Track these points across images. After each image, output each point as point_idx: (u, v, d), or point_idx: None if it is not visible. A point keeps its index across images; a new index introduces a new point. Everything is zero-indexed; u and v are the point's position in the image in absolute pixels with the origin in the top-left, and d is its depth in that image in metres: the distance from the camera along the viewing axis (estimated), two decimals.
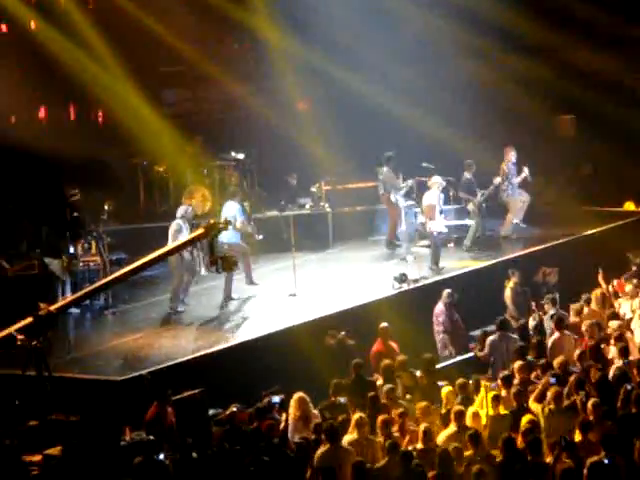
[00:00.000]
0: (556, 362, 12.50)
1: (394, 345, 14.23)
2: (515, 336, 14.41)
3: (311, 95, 23.81)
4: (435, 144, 20.75)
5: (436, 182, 18.07)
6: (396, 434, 11.01)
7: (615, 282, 16.30)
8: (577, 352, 12.90)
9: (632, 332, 13.91)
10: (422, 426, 10.81)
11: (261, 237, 17.96)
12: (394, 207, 19.18)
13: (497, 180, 19.48)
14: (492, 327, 14.79)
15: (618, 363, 12.39)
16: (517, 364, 12.55)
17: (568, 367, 12.46)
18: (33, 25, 21.09)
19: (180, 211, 16.37)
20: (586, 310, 15.02)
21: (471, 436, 10.41)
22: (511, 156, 19.79)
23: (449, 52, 23.12)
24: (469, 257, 18.55)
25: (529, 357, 13.17)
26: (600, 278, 16.38)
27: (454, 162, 20.00)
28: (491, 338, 14.10)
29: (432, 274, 17.22)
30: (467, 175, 19.52)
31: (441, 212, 18.03)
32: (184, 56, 22.24)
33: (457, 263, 18.06)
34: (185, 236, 15.24)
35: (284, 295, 16.48)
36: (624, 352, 12.59)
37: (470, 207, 19.39)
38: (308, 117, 22.74)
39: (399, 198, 19.07)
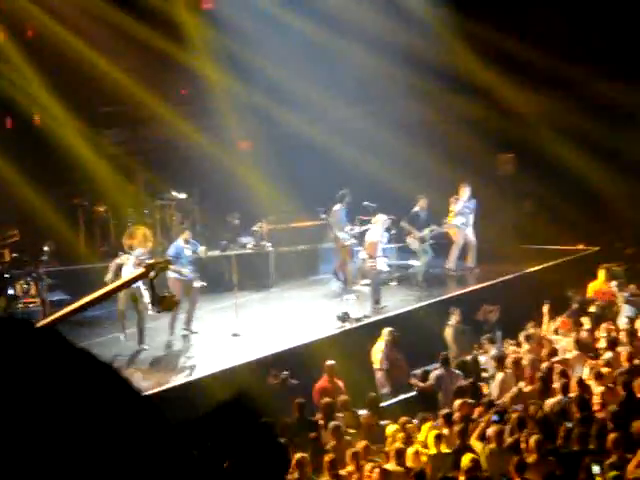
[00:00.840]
0: (500, 400, 12.52)
1: (340, 383, 14.16)
2: (458, 372, 14.43)
3: (253, 134, 23.86)
4: (377, 183, 20.87)
5: (380, 220, 18.12)
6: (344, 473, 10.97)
7: (559, 320, 16.39)
8: (515, 389, 12.92)
9: (572, 368, 13.97)
10: (369, 465, 10.75)
11: (200, 285, 17.39)
12: (338, 244, 19.23)
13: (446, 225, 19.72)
14: (434, 366, 14.76)
15: (558, 400, 12.41)
16: (457, 402, 12.55)
17: (510, 405, 12.48)
18: None
19: (135, 252, 16.18)
20: (526, 347, 15.08)
21: (417, 474, 10.37)
22: (462, 193, 19.95)
23: (391, 92, 23.29)
24: (411, 295, 18.57)
25: (469, 396, 13.17)
26: (545, 311, 16.48)
27: (396, 201, 20.09)
28: (436, 372, 14.08)
29: (374, 313, 17.23)
30: (415, 209, 19.62)
31: (383, 250, 18.08)
32: (126, 96, 22.18)
33: (399, 301, 18.09)
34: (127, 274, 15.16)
35: (227, 335, 16.38)
36: (564, 389, 12.63)
37: (410, 240, 19.46)
38: (250, 156, 22.78)
39: (343, 236, 19.11)
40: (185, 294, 16.25)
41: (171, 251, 16.73)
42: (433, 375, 14.13)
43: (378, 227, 18.02)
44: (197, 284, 16.78)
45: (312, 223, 20.79)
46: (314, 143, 22.13)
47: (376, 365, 15.25)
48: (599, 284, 18.05)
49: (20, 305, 16.93)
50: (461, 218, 19.92)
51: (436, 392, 14.04)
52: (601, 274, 18.22)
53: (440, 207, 20.05)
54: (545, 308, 16.51)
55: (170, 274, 15.99)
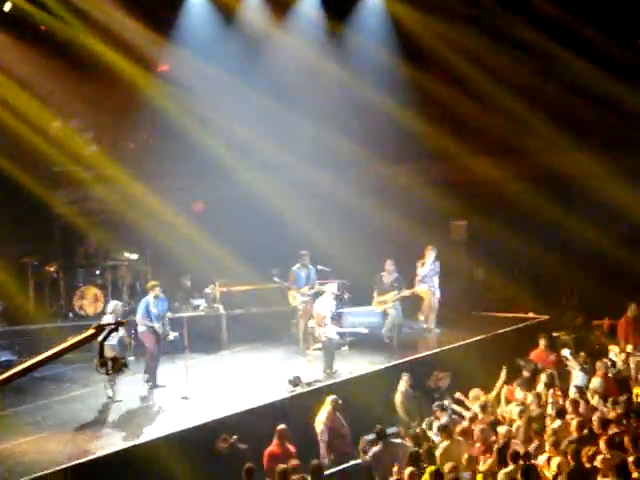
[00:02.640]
0: (446, 467, 12.32)
1: (291, 448, 13.99)
2: (401, 441, 14.23)
3: (207, 195, 23.88)
4: (333, 246, 20.93)
5: (329, 290, 18.06)
6: None
7: (505, 388, 16.36)
8: (465, 457, 12.77)
9: (520, 437, 13.88)
10: None
11: (173, 336, 17.46)
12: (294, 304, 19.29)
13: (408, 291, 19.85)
14: (372, 436, 14.55)
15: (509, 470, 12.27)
16: (408, 471, 12.29)
17: (458, 473, 12.33)
18: None
19: (109, 307, 16.63)
20: (480, 416, 14.96)
21: None
22: (428, 256, 20.12)
23: (346, 157, 23.43)
24: (363, 360, 18.50)
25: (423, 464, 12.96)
26: (503, 375, 16.45)
27: (352, 265, 20.16)
28: (374, 449, 13.83)
29: (325, 377, 17.16)
30: (381, 274, 19.71)
31: (333, 319, 18.04)
32: (79, 156, 22.12)
33: (351, 366, 18.01)
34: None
35: (176, 398, 16.23)
36: (514, 458, 12.47)
37: (373, 304, 19.58)
38: (203, 218, 22.74)
39: (298, 296, 19.13)
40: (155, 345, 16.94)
41: (141, 306, 17.03)
42: (370, 453, 13.85)
43: (327, 297, 17.93)
44: (171, 336, 17.20)
45: (265, 286, 20.73)
46: (268, 205, 22.16)
47: (318, 436, 15.07)
48: (539, 352, 18.16)
49: None
50: (429, 281, 20.11)
51: (373, 468, 13.76)
52: (541, 342, 18.35)
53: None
54: (502, 373, 16.50)
55: (140, 327, 16.89)
